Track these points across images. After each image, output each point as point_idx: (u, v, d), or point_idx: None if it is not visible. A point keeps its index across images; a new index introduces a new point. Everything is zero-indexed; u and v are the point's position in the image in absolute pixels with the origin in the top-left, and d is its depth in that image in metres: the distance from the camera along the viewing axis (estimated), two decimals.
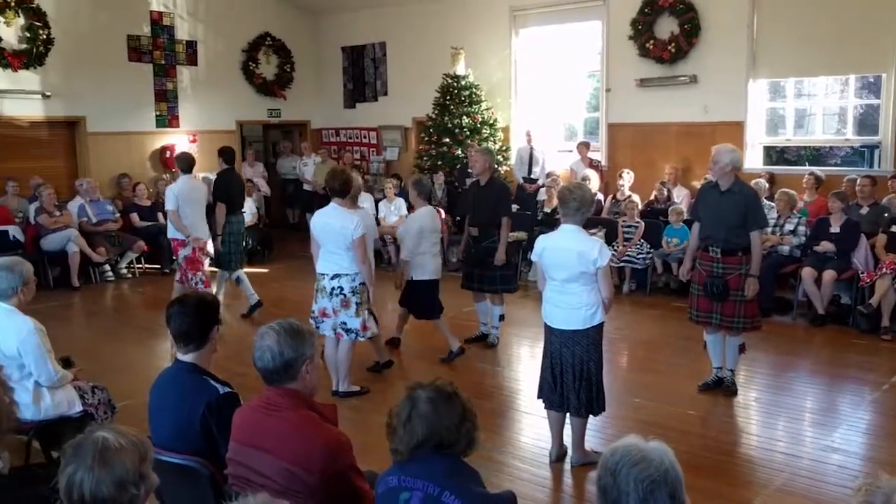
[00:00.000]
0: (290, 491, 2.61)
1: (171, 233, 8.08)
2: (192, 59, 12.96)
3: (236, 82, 13.61)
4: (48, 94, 11.22)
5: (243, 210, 8.89)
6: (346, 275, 5.72)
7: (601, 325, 4.55)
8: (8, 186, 10.48)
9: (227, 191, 8.55)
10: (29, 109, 11.15)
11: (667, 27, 10.33)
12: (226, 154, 8.84)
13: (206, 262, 8.26)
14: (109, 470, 1.99)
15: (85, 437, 2.07)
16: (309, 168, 13.38)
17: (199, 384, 3.16)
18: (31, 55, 10.92)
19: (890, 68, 8.89)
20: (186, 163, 8.23)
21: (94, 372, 5.56)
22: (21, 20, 10.87)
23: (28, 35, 10.92)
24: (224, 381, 3.23)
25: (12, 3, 10.67)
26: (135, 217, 11.07)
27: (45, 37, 11.03)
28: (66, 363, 4.54)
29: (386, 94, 13.83)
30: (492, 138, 11.57)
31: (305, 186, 13.46)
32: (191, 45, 12.93)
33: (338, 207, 5.76)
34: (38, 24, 10.96)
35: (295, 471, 2.61)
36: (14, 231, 9.96)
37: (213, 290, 8.28)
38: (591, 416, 4.67)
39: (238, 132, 13.84)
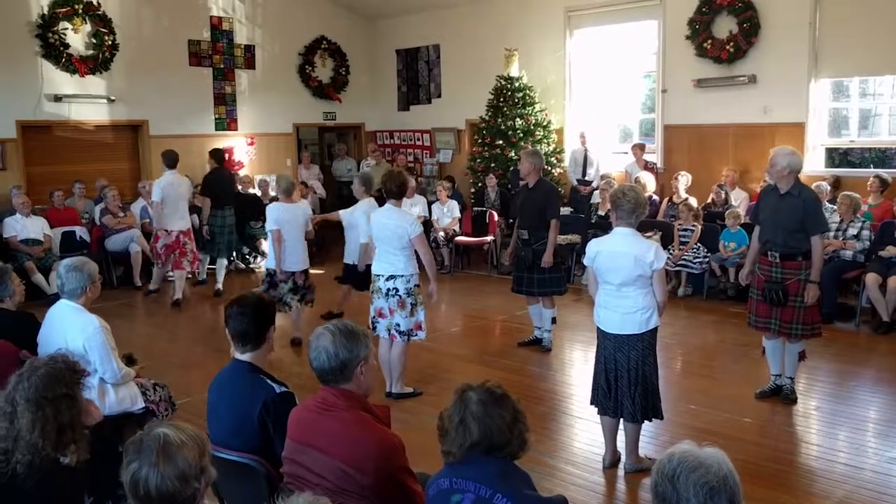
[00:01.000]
0: (344, 491, 2.64)
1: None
2: (250, 63, 13.21)
3: (293, 86, 13.82)
4: (113, 98, 11.56)
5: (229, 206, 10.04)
6: (402, 276, 5.77)
7: (656, 329, 4.49)
8: (75, 188, 10.84)
9: (212, 188, 9.80)
10: (95, 113, 11.51)
11: (725, 26, 10.14)
12: (215, 155, 10.24)
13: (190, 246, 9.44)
14: (173, 465, 2.05)
15: (146, 434, 2.12)
16: (369, 170, 13.48)
17: (256, 383, 3.22)
18: (98, 61, 11.27)
19: None
20: (171, 159, 9.23)
21: (156, 369, 5.72)
22: (88, 27, 11.23)
23: (94, 41, 11.27)
24: (280, 381, 3.29)
25: (80, 10, 11.03)
26: (194, 218, 11.25)
27: (110, 42, 11.36)
28: (129, 360, 4.67)
29: (439, 96, 13.88)
30: (545, 140, 11.50)
31: None
32: (249, 50, 13.18)
33: (393, 208, 5.83)
34: (103, 30, 11.30)
35: (348, 471, 2.64)
36: (81, 232, 10.31)
37: (176, 276, 9.39)
38: (646, 421, 4.62)
39: (294, 135, 14.05)
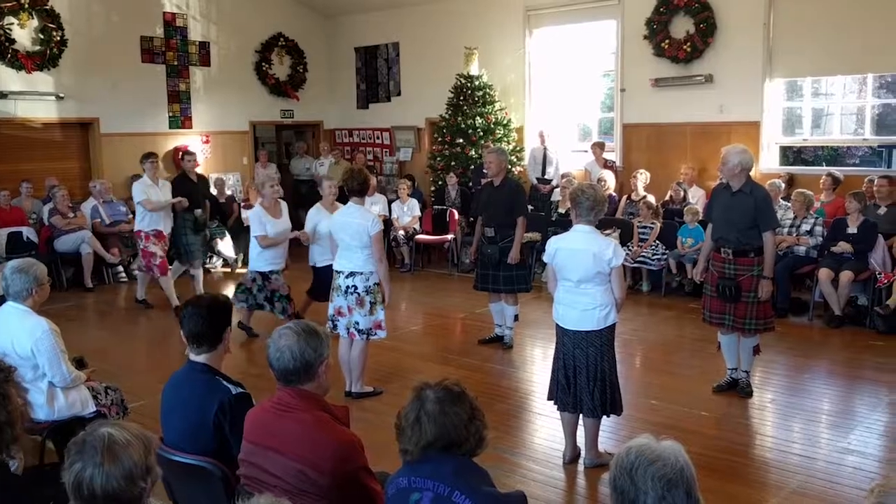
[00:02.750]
0: (302, 492, 2.61)
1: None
2: (205, 60, 13.00)
3: (249, 83, 13.64)
4: (62, 95, 11.28)
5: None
6: (361, 273, 5.72)
7: (614, 325, 4.52)
8: (22, 188, 10.55)
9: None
10: (43, 111, 11.22)
11: (682, 26, 10.27)
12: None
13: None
14: (118, 464, 2.01)
15: (89, 434, 2.07)
16: (324, 168, 13.40)
17: (212, 385, 3.16)
18: (45, 57, 10.99)
19: None
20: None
21: (108, 372, 5.59)
22: (35, 22, 10.94)
23: (42, 37, 10.99)
24: (237, 382, 3.23)
25: (26, 5, 10.74)
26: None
27: (58, 38, 11.09)
28: (79, 364, 4.56)
29: (399, 94, 13.82)
30: (505, 139, 11.53)
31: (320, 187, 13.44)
32: (204, 46, 12.97)
33: (355, 206, 5.79)
34: (51, 25, 11.02)
35: (306, 472, 2.61)
36: (28, 232, 10.03)
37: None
38: (606, 416, 4.64)
39: (251, 133, 13.87)
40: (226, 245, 11.22)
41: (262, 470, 2.73)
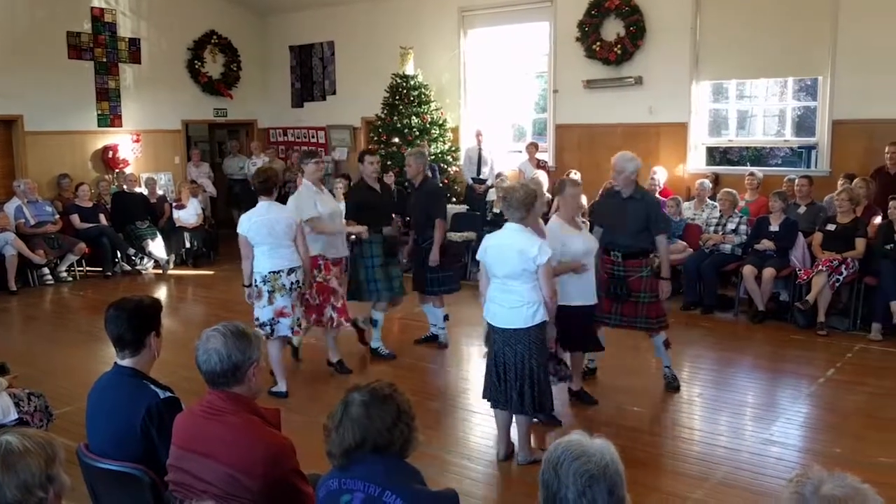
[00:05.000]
0: (232, 496, 2.59)
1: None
2: (135, 57, 12.69)
3: (181, 81, 13.37)
4: None
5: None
6: (299, 267, 5.83)
7: (543, 323, 4.55)
8: None
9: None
10: None
11: (613, 29, 10.48)
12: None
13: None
14: (13, 474, 1.97)
15: None
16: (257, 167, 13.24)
17: (139, 389, 3.09)
18: None
19: (826, 72, 9.16)
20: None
21: (32, 378, 5.42)
22: None
23: None
24: (165, 386, 3.17)
25: None
26: (75, 218, 10.79)
27: None
28: (1, 370, 4.42)
29: (334, 93, 13.74)
30: (441, 139, 11.58)
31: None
32: (134, 43, 12.66)
33: (272, 203, 5.82)
34: None
35: (237, 476, 2.59)
36: None
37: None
38: (535, 414, 4.70)
39: (183, 132, 13.60)
40: (157, 246, 10.99)
41: (191, 475, 2.69)
